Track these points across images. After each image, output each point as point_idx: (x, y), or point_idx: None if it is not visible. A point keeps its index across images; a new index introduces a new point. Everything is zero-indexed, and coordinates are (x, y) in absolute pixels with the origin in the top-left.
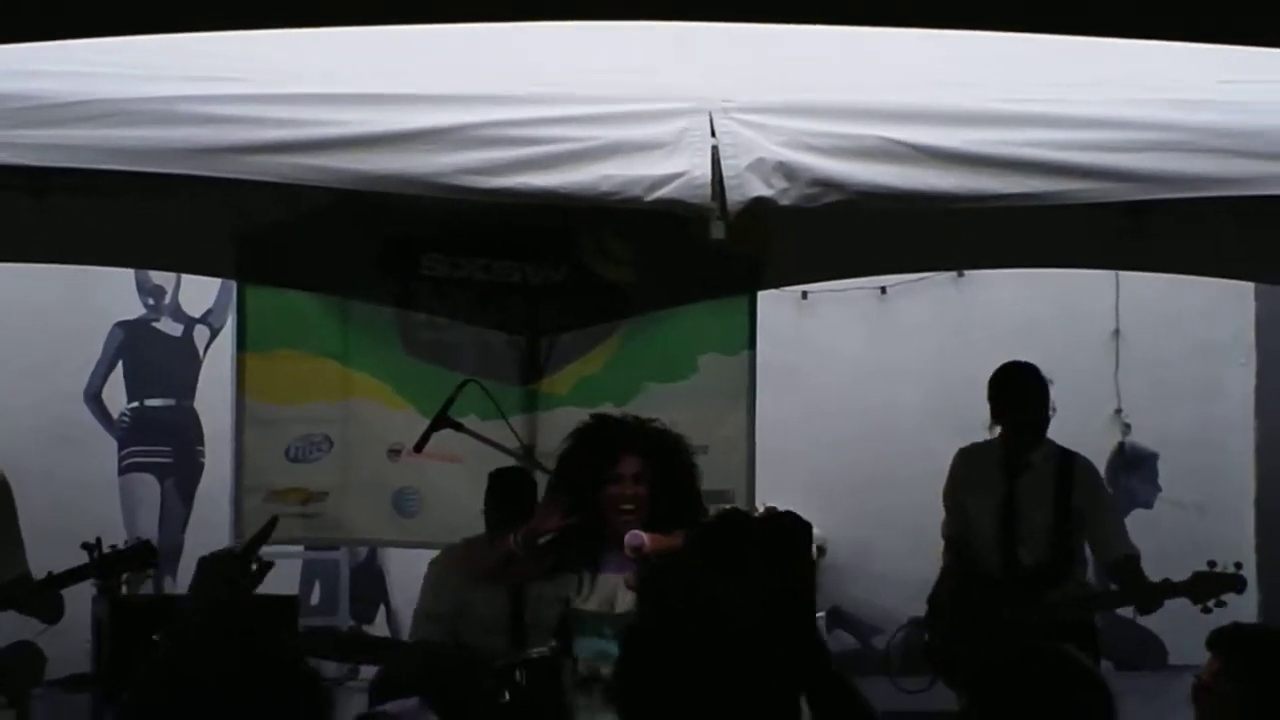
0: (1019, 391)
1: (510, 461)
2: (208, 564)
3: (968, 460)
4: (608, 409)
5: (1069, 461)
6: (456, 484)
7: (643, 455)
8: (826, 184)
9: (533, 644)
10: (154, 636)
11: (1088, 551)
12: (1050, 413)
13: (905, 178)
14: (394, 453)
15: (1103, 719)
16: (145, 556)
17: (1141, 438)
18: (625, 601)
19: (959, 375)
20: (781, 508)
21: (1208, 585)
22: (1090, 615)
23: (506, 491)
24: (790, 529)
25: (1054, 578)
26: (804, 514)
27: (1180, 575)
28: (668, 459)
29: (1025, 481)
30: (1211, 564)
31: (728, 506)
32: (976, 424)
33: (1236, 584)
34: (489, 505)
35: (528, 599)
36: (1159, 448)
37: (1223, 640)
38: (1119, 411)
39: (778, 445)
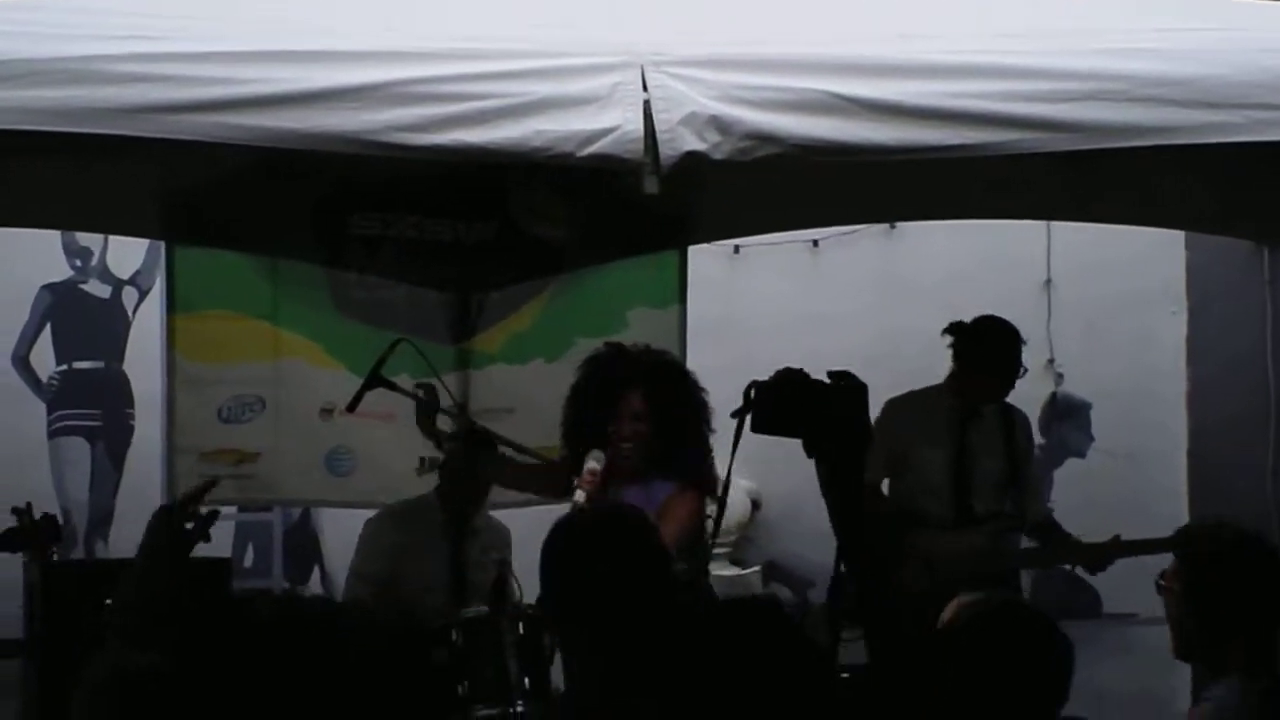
0: (1001, 346)
1: (444, 419)
2: (152, 520)
3: (907, 409)
4: (538, 365)
5: (1010, 414)
6: (389, 443)
7: (645, 391)
8: (761, 137)
9: (471, 604)
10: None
11: None
12: (1022, 372)
13: (841, 130)
14: (326, 412)
15: (1064, 672)
16: (50, 532)
17: (1074, 387)
18: None
19: (891, 327)
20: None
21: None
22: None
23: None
24: (848, 386)
25: (1002, 528)
26: (737, 468)
27: (1114, 525)
28: (672, 393)
29: (976, 431)
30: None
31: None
32: (909, 374)
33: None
34: (445, 464)
35: (466, 560)
36: (1091, 397)
37: (1181, 538)
38: (1051, 361)
39: (711, 398)
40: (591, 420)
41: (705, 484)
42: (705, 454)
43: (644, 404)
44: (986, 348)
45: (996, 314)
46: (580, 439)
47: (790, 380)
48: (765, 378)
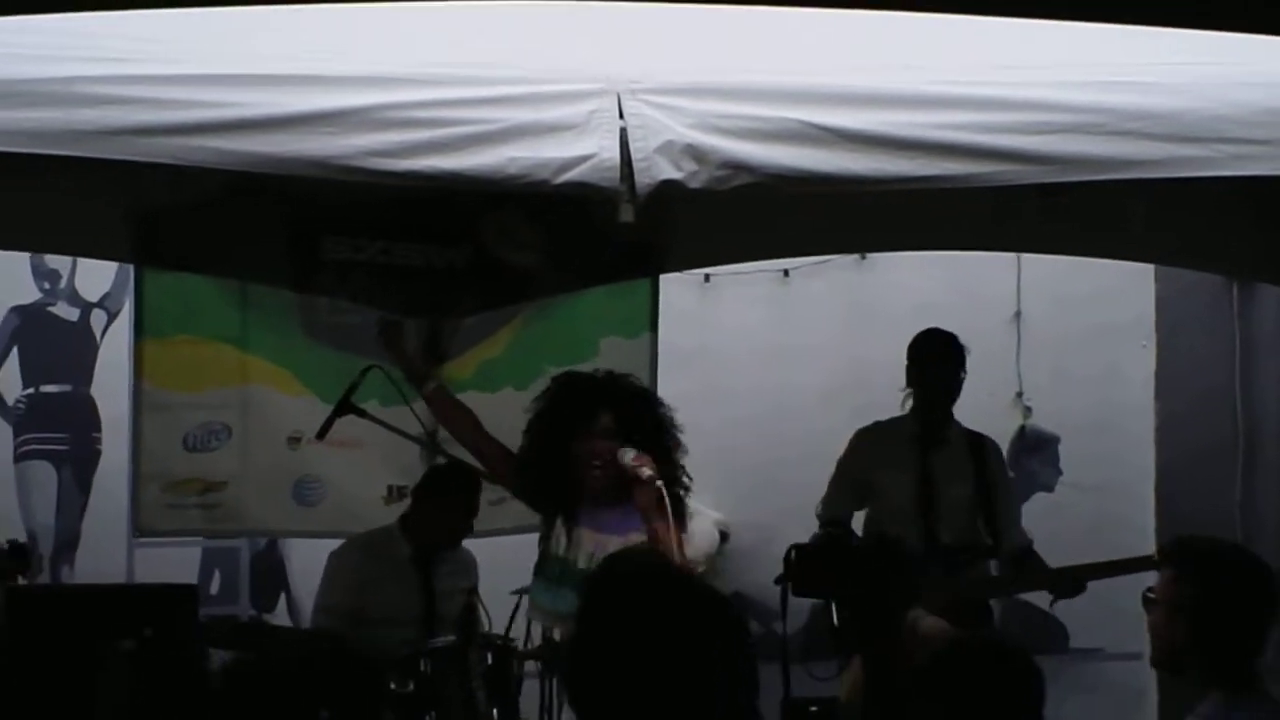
0: (927, 358)
1: (413, 447)
2: None
3: (875, 437)
4: (509, 393)
5: (979, 441)
6: (358, 471)
7: (614, 410)
8: (736, 166)
9: (441, 633)
10: None
11: None
12: (961, 377)
13: (817, 160)
14: (294, 441)
15: (1035, 703)
16: (19, 560)
17: (1043, 421)
18: (584, 558)
19: (861, 357)
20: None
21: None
22: (1007, 597)
23: (445, 485)
24: (887, 548)
25: (971, 557)
26: (705, 497)
27: (1082, 558)
28: (639, 414)
29: (941, 457)
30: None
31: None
32: (878, 405)
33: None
34: (420, 495)
35: (435, 590)
36: (1060, 431)
37: (1173, 551)
38: (1020, 395)
39: (681, 427)
40: (557, 443)
41: (676, 505)
42: (675, 471)
43: (614, 422)
44: (914, 359)
45: (966, 346)
46: (544, 462)
47: (829, 545)
48: (805, 540)
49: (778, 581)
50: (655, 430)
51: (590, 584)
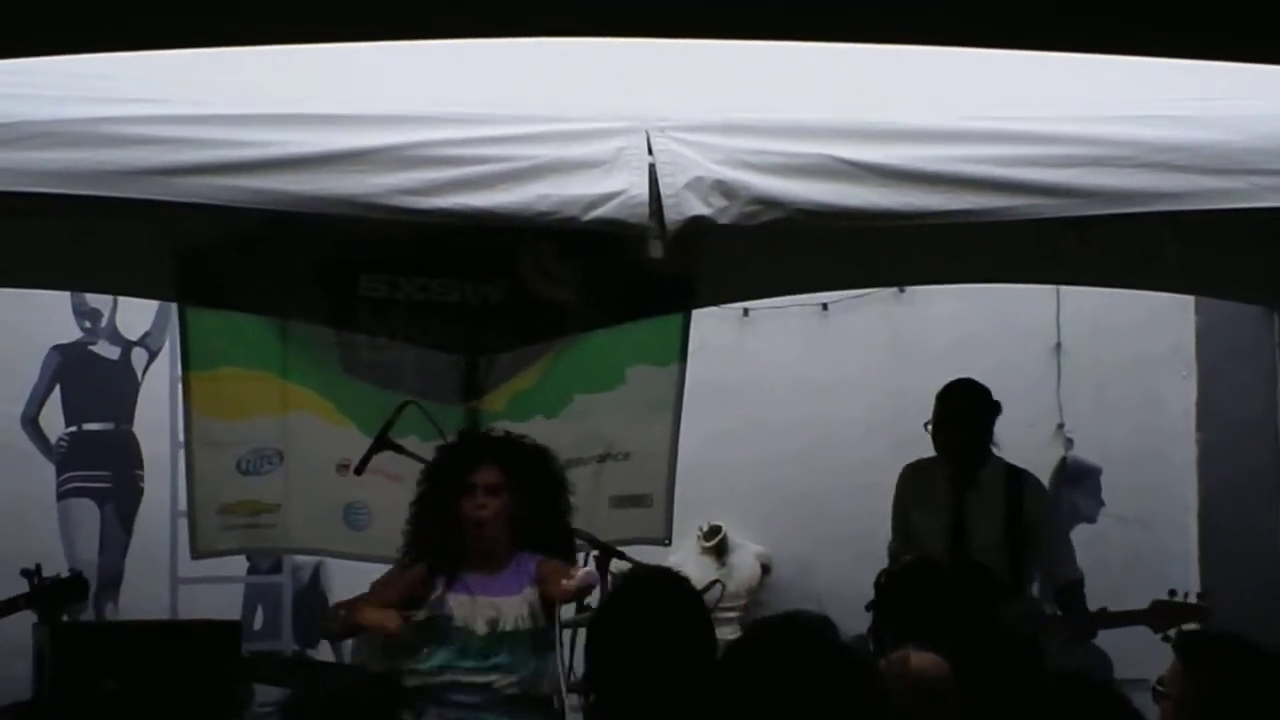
0: (948, 412)
1: None
2: None
3: (916, 475)
4: (539, 421)
5: (1019, 479)
6: (399, 503)
7: (500, 465)
8: (765, 202)
9: None
10: None
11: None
12: (988, 434)
13: (845, 195)
14: (343, 467)
15: None
16: (77, 590)
17: (1084, 452)
18: (484, 624)
19: (901, 390)
20: (719, 522)
21: (1168, 614)
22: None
23: None
24: (975, 576)
25: (1004, 593)
26: (746, 530)
27: (1125, 589)
28: (529, 470)
29: (973, 496)
30: (1172, 592)
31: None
32: (918, 438)
33: (1199, 614)
34: None
35: None
36: (1102, 462)
37: (1184, 645)
38: (1061, 426)
39: (720, 461)
40: (444, 503)
41: (568, 560)
42: (567, 531)
43: (501, 478)
44: (944, 405)
45: (1006, 378)
46: (431, 523)
47: (918, 570)
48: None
49: (869, 608)
50: (550, 488)
51: (750, 647)
